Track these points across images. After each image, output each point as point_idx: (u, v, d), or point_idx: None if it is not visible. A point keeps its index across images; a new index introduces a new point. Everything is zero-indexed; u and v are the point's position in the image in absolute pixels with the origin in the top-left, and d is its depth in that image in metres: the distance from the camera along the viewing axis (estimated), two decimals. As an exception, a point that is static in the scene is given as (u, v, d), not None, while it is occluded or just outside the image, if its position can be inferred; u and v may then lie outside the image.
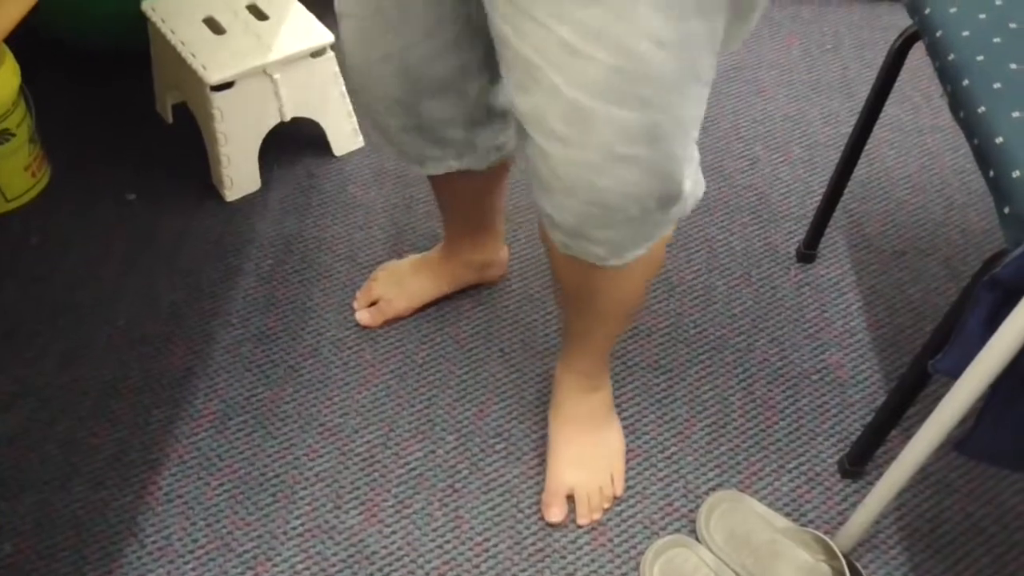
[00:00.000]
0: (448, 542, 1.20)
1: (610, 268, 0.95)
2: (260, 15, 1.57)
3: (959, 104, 0.99)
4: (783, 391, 1.36)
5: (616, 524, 1.22)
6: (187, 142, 1.64)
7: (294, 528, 1.20)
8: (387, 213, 1.59)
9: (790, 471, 1.27)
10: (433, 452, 1.28)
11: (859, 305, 1.47)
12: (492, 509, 1.23)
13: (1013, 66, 0.99)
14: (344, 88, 1.60)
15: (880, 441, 1.22)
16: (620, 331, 1.16)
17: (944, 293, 1.49)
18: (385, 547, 1.19)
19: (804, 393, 1.36)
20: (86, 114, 1.74)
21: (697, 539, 1.19)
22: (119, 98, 1.77)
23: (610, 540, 1.21)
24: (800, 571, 1.14)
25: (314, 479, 1.25)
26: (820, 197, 1.50)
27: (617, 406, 1.31)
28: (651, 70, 0.77)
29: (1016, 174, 0.88)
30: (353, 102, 1.08)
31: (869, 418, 1.28)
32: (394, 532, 1.20)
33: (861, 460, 1.24)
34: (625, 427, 1.30)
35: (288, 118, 1.57)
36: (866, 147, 1.36)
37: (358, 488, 1.24)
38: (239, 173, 1.58)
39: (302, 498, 1.23)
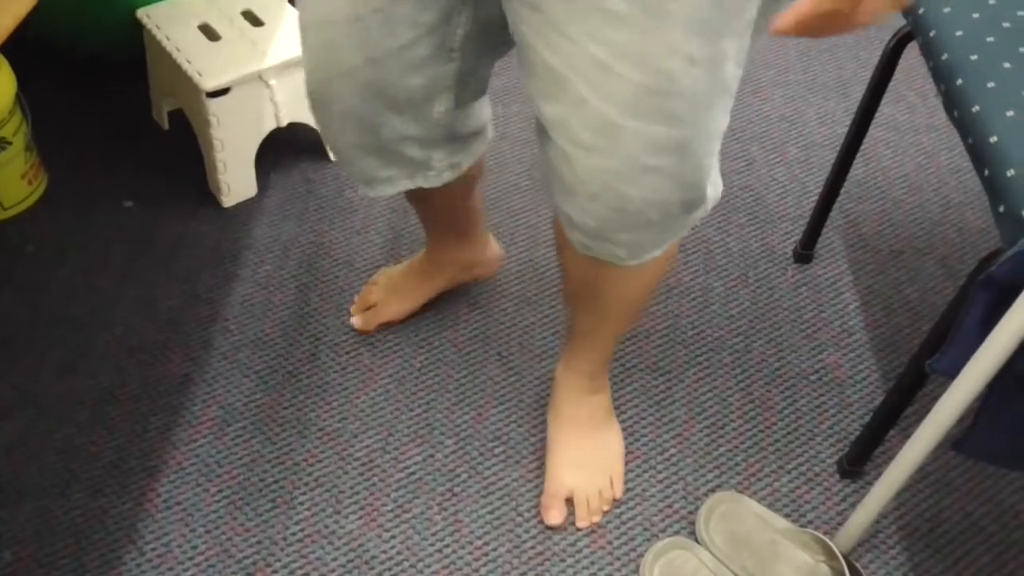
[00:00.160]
0: (447, 546, 1.19)
1: (627, 267, 0.95)
2: (255, 21, 1.57)
3: (953, 103, 0.99)
4: (781, 392, 1.36)
5: (615, 526, 1.22)
6: (184, 149, 1.64)
7: (293, 534, 1.20)
8: (384, 217, 1.59)
9: (789, 472, 1.27)
10: (432, 456, 1.28)
11: (856, 305, 1.47)
12: (491, 512, 1.23)
13: (1007, 65, 0.99)
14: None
15: (878, 441, 1.22)
16: (626, 330, 1.16)
17: (941, 292, 1.49)
18: (384, 551, 1.19)
19: (802, 393, 1.36)
20: (82, 122, 1.74)
21: (697, 541, 1.19)
22: (115, 105, 1.77)
23: (610, 543, 1.21)
24: (800, 572, 1.14)
25: (313, 484, 1.25)
26: (816, 197, 1.50)
27: (616, 408, 1.31)
28: (682, 88, 0.77)
29: (1011, 173, 0.89)
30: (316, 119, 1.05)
31: (867, 418, 1.28)
32: (393, 536, 1.20)
33: (860, 460, 1.25)
34: (624, 429, 1.30)
35: (284, 124, 1.57)
36: (862, 147, 1.36)
37: (357, 493, 1.24)
38: (236, 179, 1.59)
39: (301, 503, 1.23)
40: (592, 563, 1.18)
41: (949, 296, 1.47)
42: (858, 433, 1.25)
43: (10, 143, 1.50)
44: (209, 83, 1.45)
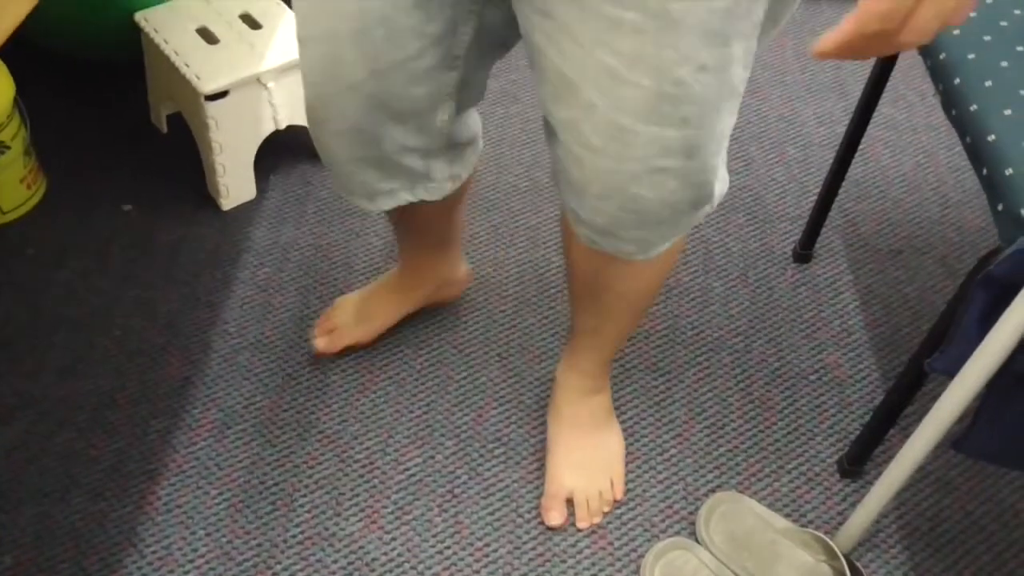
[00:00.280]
0: (448, 547, 1.19)
1: (635, 261, 0.96)
2: (253, 24, 1.57)
3: (951, 102, 0.99)
4: (781, 391, 1.36)
5: (616, 527, 1.22)
6: (182, 152, 1.64)
7: (294, 536, 1.20)
8: (382, 220, 1.59)
9: (789, 471, 1.27)
10: (432, 458, 1.28)
11: (856, 304, 1.47)
12: (492, 514, 1.23)
13: (1004, 64, 0.99)
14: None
15: (879, 440, 1.22)
16: (630, 329, 1.16)
17: (941, 291, 1.49)
18: (385, 553, 1.19)
19: (802, 393, 1.36)
20: (81, 125, 1.75)
21: (697, 541, 1.19)
22: (114, 109, 1.77)
23: (610, 543, 1.20)
24: (800, 572, 1.14)
25: (313, 486, 1.25)
26: (815, 197, 1.50)
27: (616, 408, 1.31)
28: (693, 93, 0.78)
29: (1009, 171, 0.89)
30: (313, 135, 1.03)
31: (867, 417, 1.28)
32: (394, 539, 1.20)
33: (860, 459, 1.24)
34: (624, 430, 1.30)
35: (283, 126, 1.57)
36: (861, 146, 1.36)
37: (357, 495, 1.24)
38: (235, 182, 1.59)
39: (302, 506, 1.23)
40: (592, 564, 1.18)
41: (948, 295, 1.47)
42: (858, 432, 1.25)
43: (9, 147, 1.50)
44: (207, 86, 1.45)
